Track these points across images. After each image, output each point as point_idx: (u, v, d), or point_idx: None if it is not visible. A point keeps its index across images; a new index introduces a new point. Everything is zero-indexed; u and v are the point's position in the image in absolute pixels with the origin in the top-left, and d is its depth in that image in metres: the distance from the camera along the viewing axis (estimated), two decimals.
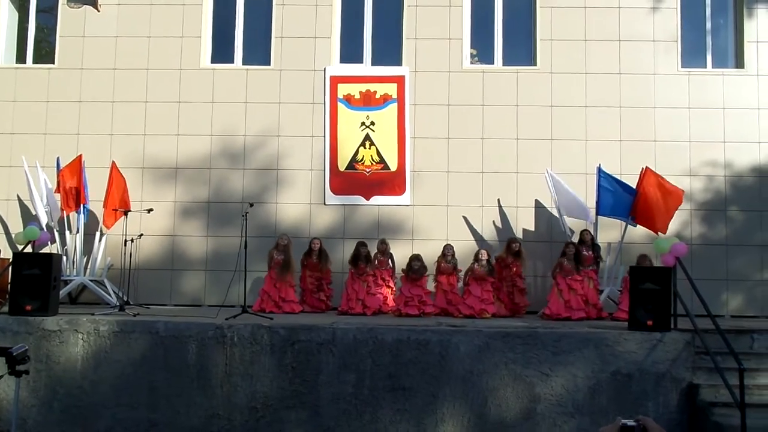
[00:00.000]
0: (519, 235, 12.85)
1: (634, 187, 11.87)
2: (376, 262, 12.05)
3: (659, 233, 11.67)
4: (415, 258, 11.68)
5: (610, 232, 12.43)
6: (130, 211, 12.01)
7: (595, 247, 11.82)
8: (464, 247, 12.46)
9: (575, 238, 12.02)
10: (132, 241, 11.38)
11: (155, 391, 9.31)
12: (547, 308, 11.34)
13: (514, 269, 11.89)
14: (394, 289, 12.11)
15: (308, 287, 12.21)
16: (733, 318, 12.35)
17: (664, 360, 9.12)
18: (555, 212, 12.63)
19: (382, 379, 9.17)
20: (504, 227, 13.01)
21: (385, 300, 11.91)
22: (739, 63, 13.47)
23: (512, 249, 11.90)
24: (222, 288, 11.81)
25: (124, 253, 11.19)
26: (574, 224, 12.37)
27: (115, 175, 12.43)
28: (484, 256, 11.59)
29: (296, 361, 9.22)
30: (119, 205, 12.15)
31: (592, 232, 11.95)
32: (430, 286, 11.84)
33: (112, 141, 13.27)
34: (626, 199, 11.92)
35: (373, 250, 12.11)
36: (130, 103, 13.37)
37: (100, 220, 12.53)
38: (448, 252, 11.89)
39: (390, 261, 12.19)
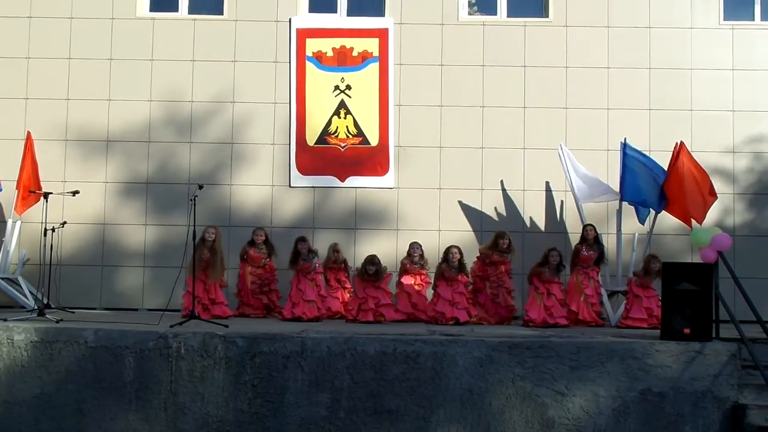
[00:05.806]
0: (527, 224, 12.93)
1: (666, 166, 11.89)
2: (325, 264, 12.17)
3: (693, 224, 11.69)
4: (370, 261, 11.57)
5: (635, 220, 12.38)
6: (50, 193, 11.84)
7: (599, 246, 11.81)
8: (459, 238, 12.48)
9: None
10: (53, 230, 11.26)
11: (83, 415, 9.21)
12: (527, 314, 11.35)
13: (503, 267, 11.84)
14: (351, 288, 12.15)
15: (248, 287, 12.13)
16: None
17: (705, 376, 9.13)
18: (570, 197, 12.66)
19: (363, 400, 9.12)
20: (508, 215, 13.03)
21: (345, 306, 12.01)
22: None
23: (500, 246, 11.77)
24: (165, 288, 11.67)
25: (44, 245, 11.05)
26: (593, 213, 12.45)
27: (31, 148, 12.29)
28: (455, 256, 11.48)
29: (257, 377, 9.15)
30: (37, 185, 12.00)
31: (596, 229, 11.86)
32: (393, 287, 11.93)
33: (27, 106, 13.14)
34: (656, 183, 11.92)
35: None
36: (49, 60, 13.22)
37: (12, 204, 12.33)
38: (415, 252, 11.97)
39: (344, 265, 12.31)
